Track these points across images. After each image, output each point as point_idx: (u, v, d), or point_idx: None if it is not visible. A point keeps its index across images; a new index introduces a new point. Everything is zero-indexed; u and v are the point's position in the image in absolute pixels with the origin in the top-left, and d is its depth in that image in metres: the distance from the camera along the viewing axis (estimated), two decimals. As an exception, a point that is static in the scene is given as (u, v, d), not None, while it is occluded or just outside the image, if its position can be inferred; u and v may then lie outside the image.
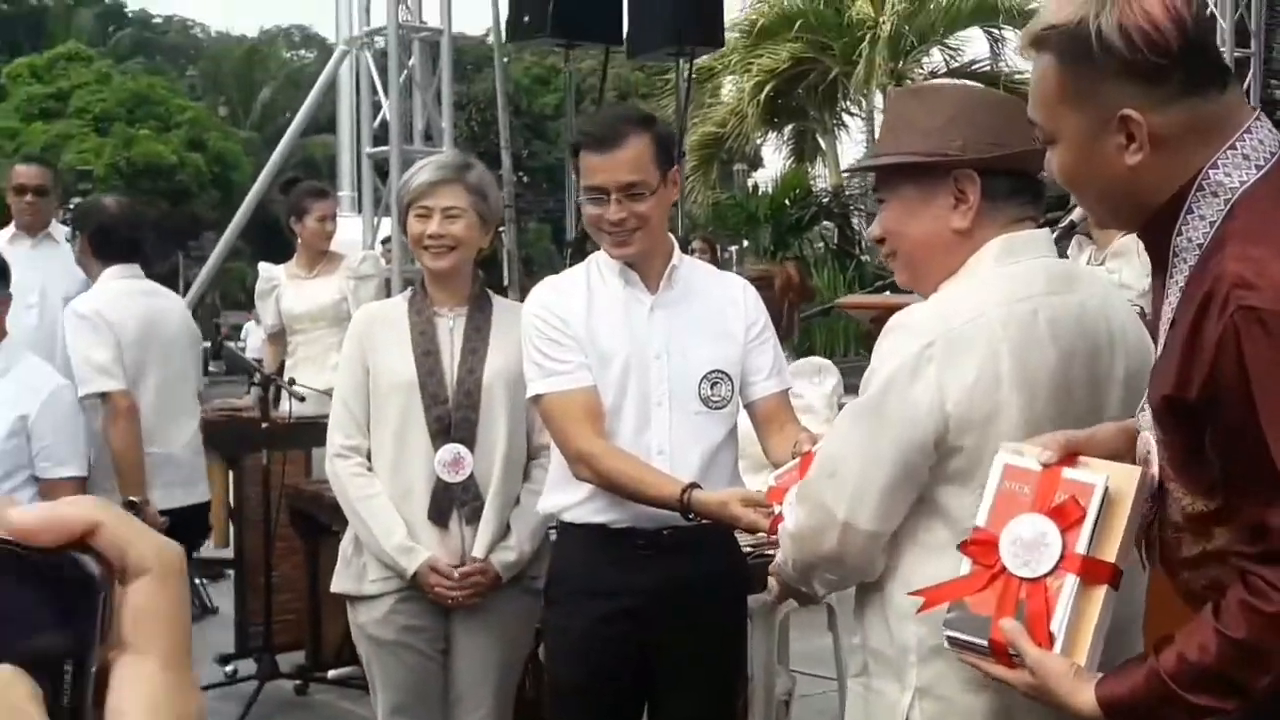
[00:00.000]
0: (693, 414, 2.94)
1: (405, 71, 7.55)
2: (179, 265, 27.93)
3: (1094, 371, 2.09)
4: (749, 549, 3.38)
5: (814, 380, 4.44)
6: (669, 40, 7.49)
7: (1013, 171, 2.15)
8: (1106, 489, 1.80)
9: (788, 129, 18.67)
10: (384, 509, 3.30)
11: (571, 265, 3.31)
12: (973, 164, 2.13)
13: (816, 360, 4.62)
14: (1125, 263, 4.82)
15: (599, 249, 3.02)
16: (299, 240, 6.13)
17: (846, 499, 2.08)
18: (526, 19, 7.43)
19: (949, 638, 1.90)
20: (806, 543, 2.17)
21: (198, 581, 6.49)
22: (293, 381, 5.31)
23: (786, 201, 15.77)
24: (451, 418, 3.28)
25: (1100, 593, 1.79)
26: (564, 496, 3.01)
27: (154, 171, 34.82)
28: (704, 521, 2.86)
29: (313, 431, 5.44)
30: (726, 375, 2.99)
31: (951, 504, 2.05)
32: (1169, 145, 1.69)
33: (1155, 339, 1.81)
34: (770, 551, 3.44)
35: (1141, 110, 1.68)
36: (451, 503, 3.28)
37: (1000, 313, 2.03)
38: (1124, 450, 1.90)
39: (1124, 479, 1.81)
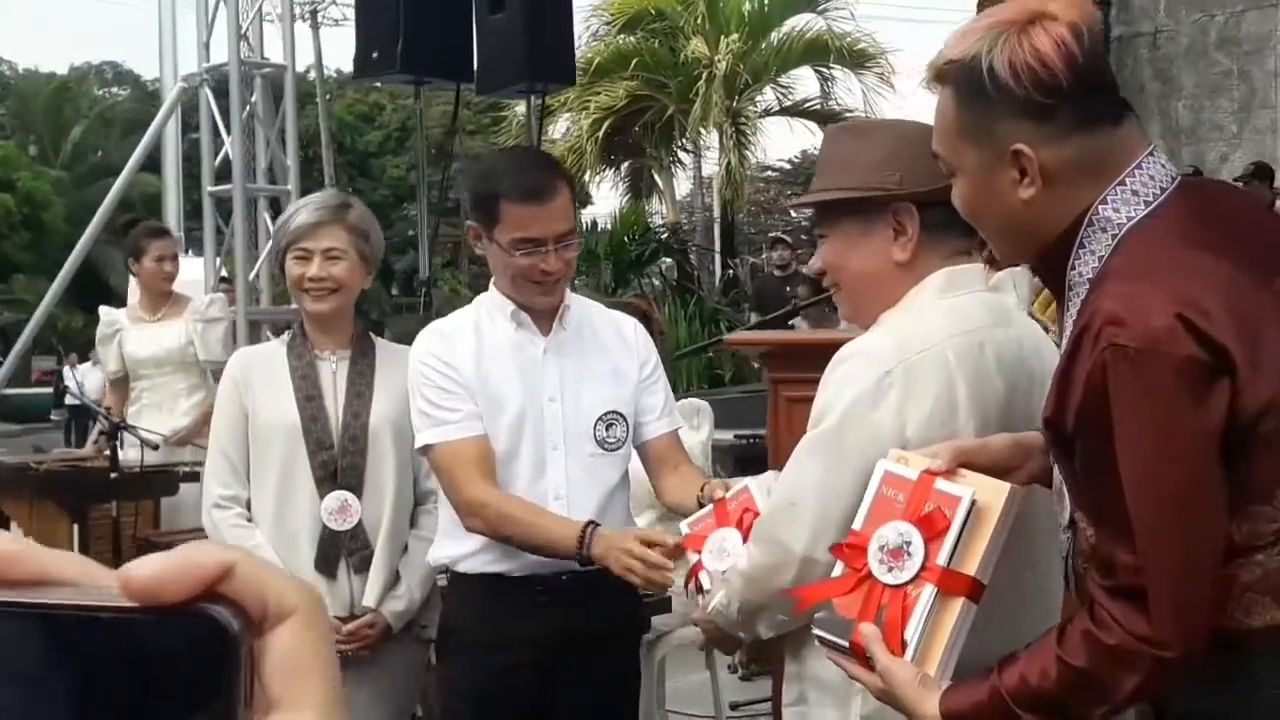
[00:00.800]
0: (588, 456, 2.89)
1: (248, 108, 7.35)
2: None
3: (1030, 406, 2.10)
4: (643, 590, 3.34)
5: (691, 424, 4.40)
6: (520, 77, 7.44)
7: (949, 203, 2.14)
8: (973, 502, 1.80)
9: (625, 166, 18.78)
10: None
11: (425, 303, 3.24)
12: (911, 197, 2.16)
13: (695, 402, 4.59)
14: (1003, 295, 4.93)
15: (448, 288, 2.94)
16: (139, 281, 5.93)
17: (806, 532, 2.06)
18: (375, 55, 7.30)
19: (817, 636, 1.90)
20: (760, 582, 2.14)
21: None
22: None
23: (625, 238, 15.85)
24: (338, 463, 3.17)
25: (957, 604, 1.79)
26: (456, 546, 2.92)
27: (-40, 212, 33.46)
28: (596, 568, 2.80)
29: (162, 480, 5.27)
30: (621, 416, 2.94)
31: None
32: (1061, 180, 1.71)
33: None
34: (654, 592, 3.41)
35: (1033, 145, 1.70)
36: (339, 551, 3.17)
37: (954, 343, 2.05)
38: (1016, 463, 1.91)
39: (992, 494, 1.81)
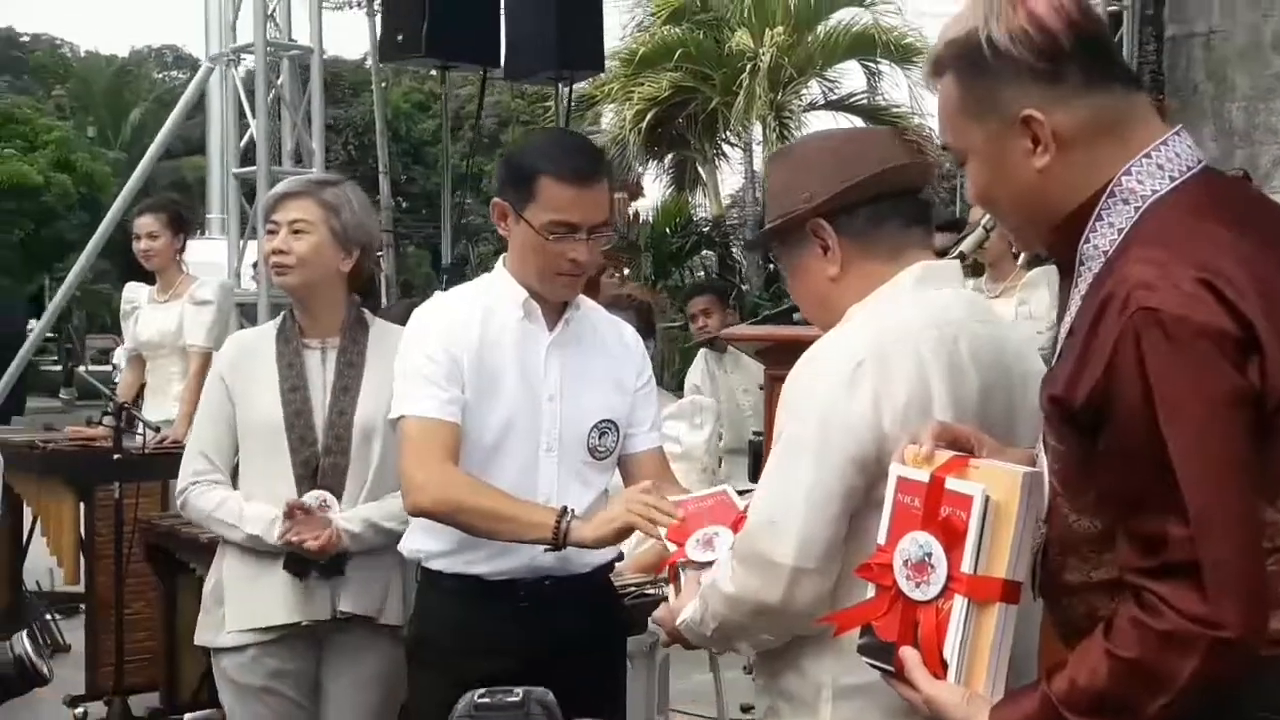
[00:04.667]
0: (580, 463, 2.77)
1: (274, 91, 7.32)
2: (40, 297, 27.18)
3: (1009, 406, 2.05)
4: (630, 588, 3.24)
5: (694, 423, 4.31)
6: (548, 64, 7.36)
7: (877, 198, 2.13)
8: (987, 499, 1.70)
9: (668, 158, 18.65)
10: (237, 505, 3.12)
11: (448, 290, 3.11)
12: (819, 210, 2.12)
13: (699, 400, 4.49)
14: (1034, 294, 4.82)
15: (478, 275, 2.85)
16: None
17: (795, 542, 1.96)
18: (400, 38, 7.25)
19: (867, 663, 1.82)
20: (745, 603, 2.03)
21: (48, 617, 6.19)
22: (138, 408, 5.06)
23: (667, 230, 15.75)
24: (320, 462, 3.08)
25: (994, 612, 1.69)
26: (432, 540, 2.77)
27: (19, 192, 33.75)
28: (578, 571, 2.73)
29: (168, 462, 5.19)
30: (614, 425, 2.83)
31: (876, 531, 1.92)
32: (1077, 144, 1.66)
33: (1053, 353, 1.75)
34: (651, 591, 3.31)
35: (1043, 109, 1.66)
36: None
37: (928, 335, 1.99)
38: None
39: (1006, 484, 1.71)
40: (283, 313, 3.28)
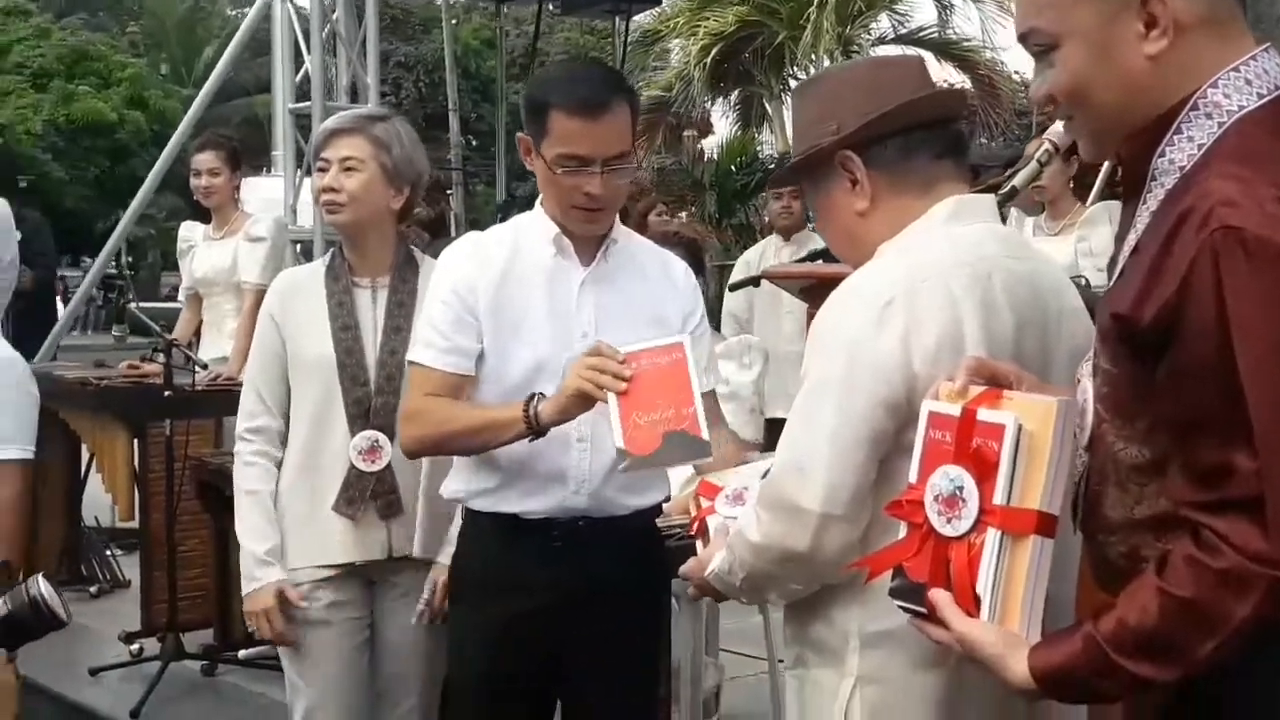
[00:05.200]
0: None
1: (329, 26, 7.25)
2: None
3: (1044, 344, 1.97)
4: (675, 530, 3.17)
5: (742, 362, 4.21)
6: (606, -4, 7.24)
7: (907, 129, 2.04)
8: (1020, 427, 1.62)
9: (734, 94, 18.41)
10: (259, 510, 3.11)
11: None
12: (847, 142, 2.04)
13: (747, 339, 4.39)
14: (1094, 230, 4.70)
15: (529, 210, 2.78)
16: None
17: (821, 487, 1.90)
18: (456, -29, 7.13)
19: (899, 606, 1.75)
20: (773, 550, 1.98)
21: (109, 553, 6.26)
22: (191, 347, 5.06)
23: (732, 168, 15.56)
24: (372, 401, 3.05)
25: (1028, 545, 1.61)
26: (471, 481, 2.76)
27: (94, 129, 34.16)
28: (616, 513, 2.69)
29: (220, 399, 5.21)
30: None
31: (905, 477, 1.85)
32: (1189, 38, 1.57)
33: (1112, 273, 1.65)
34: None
35: None
36: (364, 494, 3.06)
37: (961, 274, 1.92)
38: None
39: (1040, 412, 1.64)
40: (331, 250, 3.24)
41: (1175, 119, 1.56)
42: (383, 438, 3.04)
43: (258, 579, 3.05)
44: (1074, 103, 1.67)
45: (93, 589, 6.10)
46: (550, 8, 7.76)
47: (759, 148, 17.58)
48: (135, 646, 5.16)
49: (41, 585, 2.12)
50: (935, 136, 2.06)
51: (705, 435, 2.45)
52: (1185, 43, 1.56)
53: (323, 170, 3.09)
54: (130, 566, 6.07)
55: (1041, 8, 1.65)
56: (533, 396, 2.56)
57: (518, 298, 2.69)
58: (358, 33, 7.42)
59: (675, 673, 3.81)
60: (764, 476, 2.21)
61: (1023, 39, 1.69)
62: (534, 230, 2.73)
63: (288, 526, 3.14)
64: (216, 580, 5.10)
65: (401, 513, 3.08)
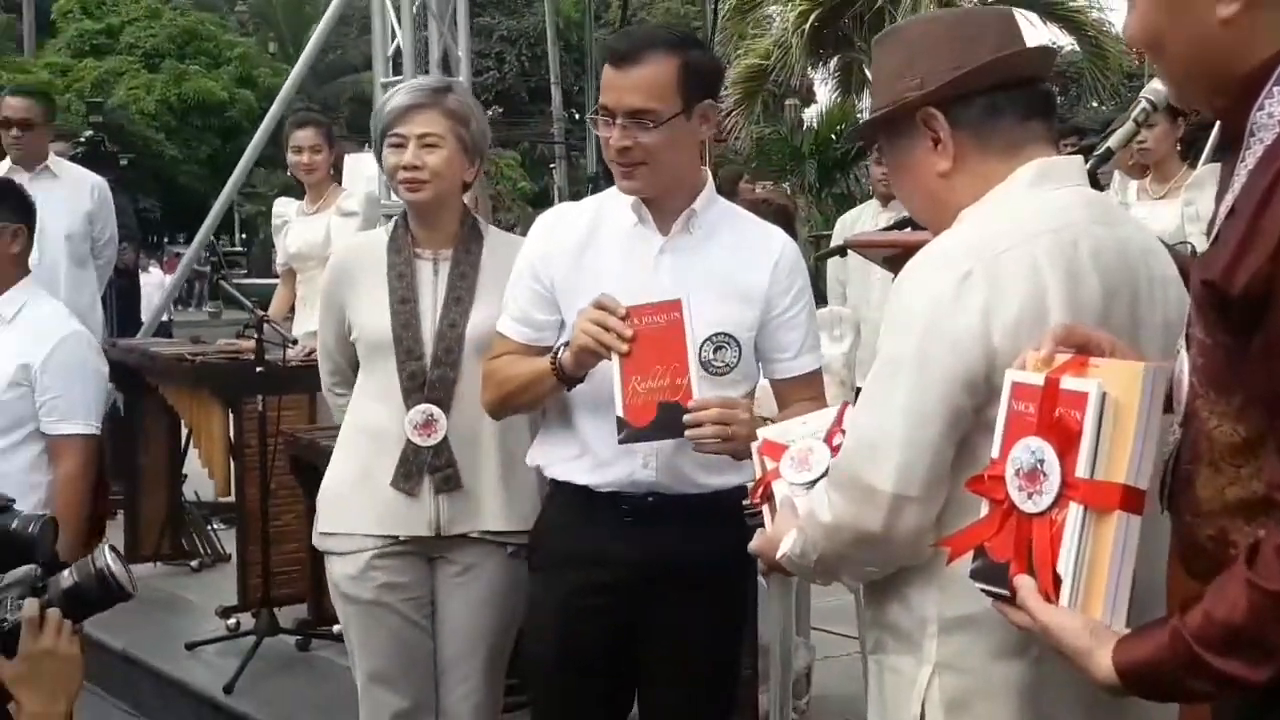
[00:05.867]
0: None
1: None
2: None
3: (1135, 314, 1.86)
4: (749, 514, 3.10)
5: (833, 334, 4.10)
6: (697, -37, 7.10)
7: (994, 88, 1.94)
8: (1104, 395, 1.52)
9: (834, 61, 18.10)
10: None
11: None
12: (932, 98, 1.93)
13: (837, 311, 4.28)
14: (1201, 194, 4.53)
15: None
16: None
17: (895, 467, 1.82)
18: (546, -59, 7.05)
19: (981, 589, 1.66)
20: (845, 531, 1.91)
21: (210, 527, 6.34)
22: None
23: (832, 136, 15.31)
24: (427, 375, 3.02)
25: (1113, 522, 1.51)
26: (550, 451, 2.76)
27: (204, 108, 34.77)
28: (688, 491, 2.63)
29: (313, 375, 5.21)
30: (733, 340, 2.67)
31: (987, 456, 1.77)
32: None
33: (1210, 236, 1.54)
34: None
35: None
36: (421, 468, 3.03)
37: (1044, 240, 1.82)
38: None
39: (1126, 379, 1.53)
40: (394, 220, 3.21)
41: (1275, 68, 1.44)
42: (438, 411, 3.01)
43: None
44: (1149, 50, 1.58)
45: (194, 563, 6.19)
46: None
47: (859, 115, 17.30)
48: (232, 621, 5.21)
49: (109, 556, 2.12)
50: (1024, 96, 1.96)
51: None
52: (1264, 6, 1.45)
53: (399, 146, 3.02)
54: (231, 541, 6.15)
55: None
56: (556, 350, 2.61)
57: (596, 264, 2.68)
58: (448, 5, 7.36)
59: (764, 652, 3.73)
60: (829, 442, 2.14)
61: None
62: (619, 197, 2.71)
63: (334, 491, 3.15)
64: (311, 555, 5.11)
65: (459, 487, 3.04)
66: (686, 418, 2.49)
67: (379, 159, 3.12)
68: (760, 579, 3.38)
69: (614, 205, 2.73)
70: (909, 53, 1.99)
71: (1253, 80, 1.46)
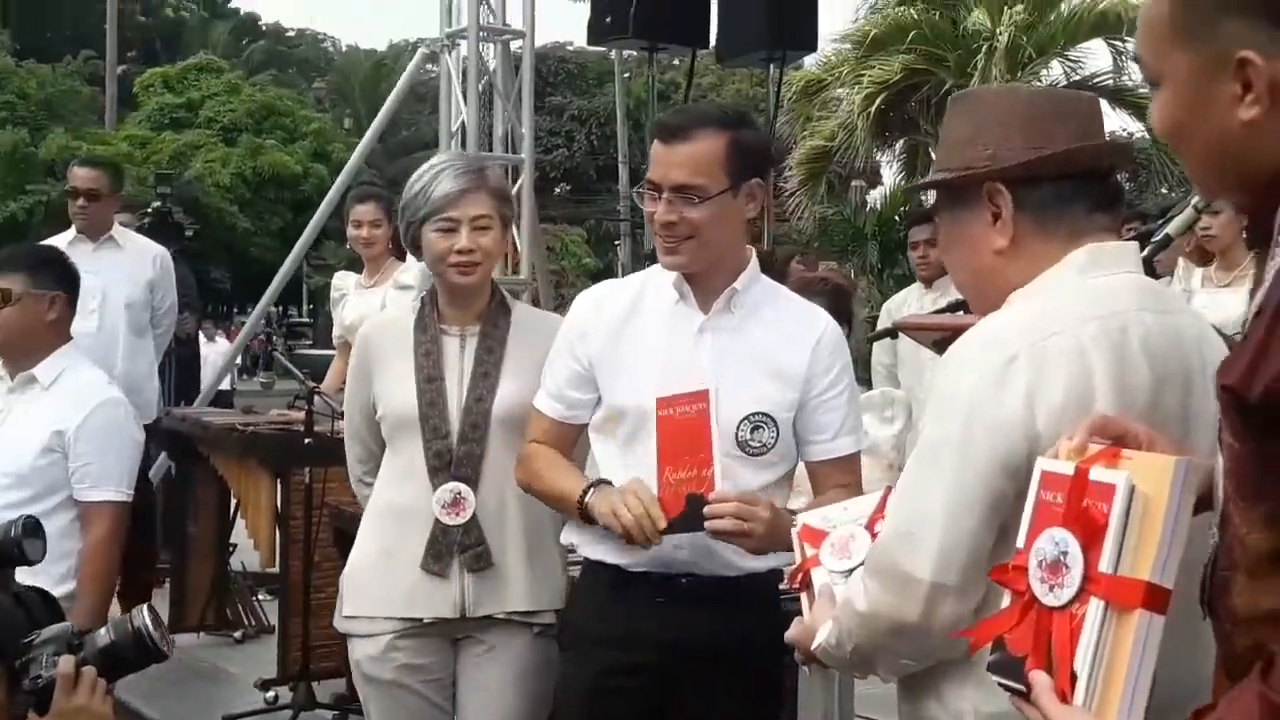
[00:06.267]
0: (726, 458, 2.55)
1: (486, 77, 7.30)
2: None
3: (1186, 404, 1.80)
4: (785, 597, 3.02)
5: (883, 416, 4.04)
6: (760, 44, 7.14)
7: (1065, 176, 1.88)
8: (1132, 488, 1.45)
9: (899, 144, 18.12)
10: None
11: None
12: (1001, 174, 1.88)
13: (890, 393, 4.21)
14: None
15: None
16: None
17: (933, 555, 1.78)
18: (609, 20, 7.14)
19: (998, 683, 1.59)
20: (881, 620, 1.86)
21: (255, 598, 6.31)
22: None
23: (895, 217, 15.28)
24: (454, 453, 2.96)
25: (1133, 620, 1.44)
26: (583, 529, 2.71)
27: (279, 181, 35.41)
28: (722, 573, 2.59)
29: (362, 447, 5.24)
30: (771, 420, 2.62)
31: None
32: None
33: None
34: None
35: (1265, 56, 1.37)
36: (451, 548, 2.96)
37: (1091, 327, 1.78)
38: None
39: (1157, 473, 1.46)
40: (422, 297, 3.18)
41: None
42: (465, 489, 2.95)
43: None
44: (1171, 144, 1.52)
45: (237, 634, 6.16)
46: (706, 59, 7.69)
47: (923, 197, 17.27)
48: (271, 694, 5.16)
49: (146, 616, 2.12)
50: (1092, 187, 1.91)
51: None
52: None
53: (450, 231, 2.97)
54: (275, 612, 6.12)
55: (1144, 37, 1.52)
56: (595, 484, 2.61)
57: (636, 341, 2.67)
58: (514, 84, 7.44)
59: (806, 745, 3.63)
60: (870, 529, 2.08)
61: (1137, 61, 1.55)
62: (662, 277, 2.71)
63: (359, 574, 3.09)
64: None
65: (490, 565, 2.97)
66: (706, 509, 2.48)
67: (408, 240, 3.07)
68: (802, 666, 3.29)
69: (656, 283, 2.72)
70: (983, 120, 1.94)
71: (1278, 180, 1.40)
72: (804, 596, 2.16)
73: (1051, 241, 1.88)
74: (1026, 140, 1.88)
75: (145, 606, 2.16)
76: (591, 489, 2.61)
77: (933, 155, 18.60)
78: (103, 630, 2.15)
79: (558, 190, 40.43)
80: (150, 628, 2.12)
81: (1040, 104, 1.97)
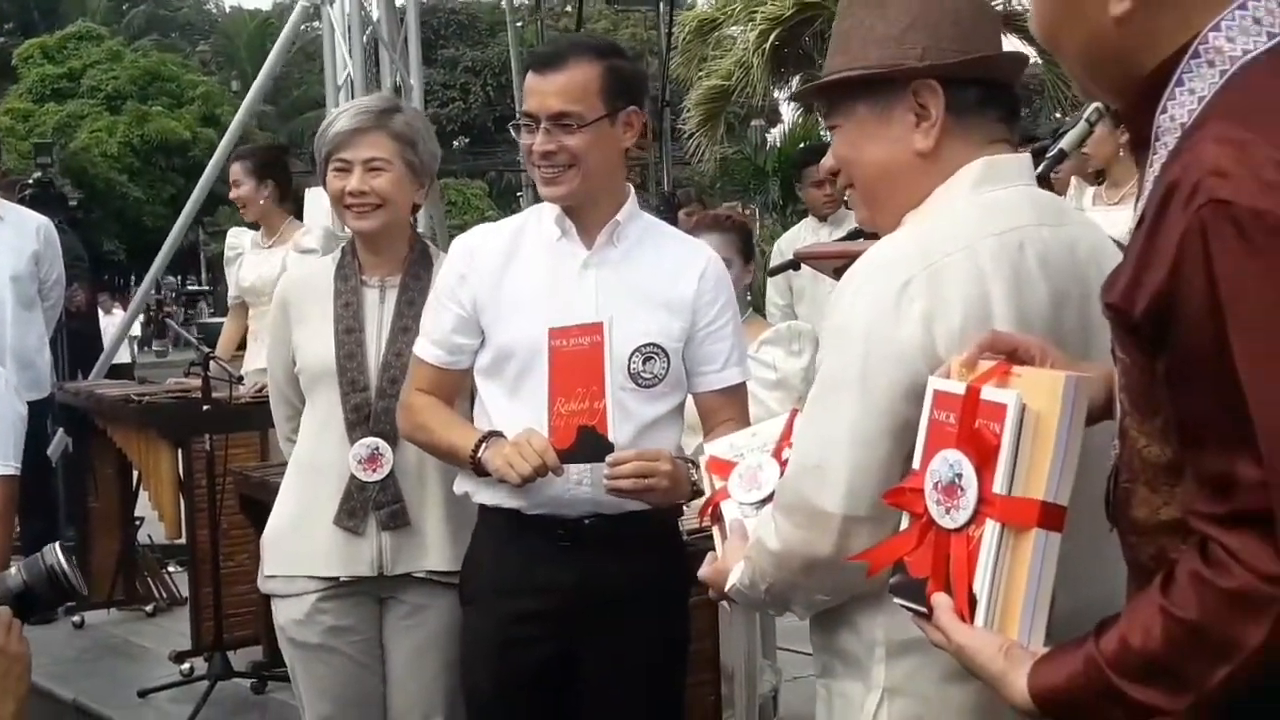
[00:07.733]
0: (619, 390, 2.54)
1: (370, 28, 7.15)
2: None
3: (1086, 318, 1.77)
4: (694, 535, 3.00)
5: (791, 349, 4.01)
6: (647, -17, 7.04)
7: (983, 81, 1.86)
8: (1023, 407, 1.44)
9: (795, 80, 18.08)
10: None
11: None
12: (934, 72, 1.83)
13: (797, 326, 4.17)
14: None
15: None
16: None
17: (842, 488, 1.74)
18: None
19: (900, 605, 1.60)
20: (794, 558, 1.82)
21: (166, 570, 6.20)
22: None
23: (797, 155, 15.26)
24: (372, 407, 2.91)
25: (1030, 539, 1.43)
26: (473, 477, 2.65)
27: (167, 148, 34.69)
28: (633, 509, 2.55)
29: (265, 411, 5.10)
30: (661, 350, 2.62)
31: None
32: None
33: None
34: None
35: None
36: (366, 505, 2.92)
37: (988, 244, 1.75)
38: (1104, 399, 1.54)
39: (1046, 390, 1.45)
40: (342, 247, 3.11)
41: (1175, 69, 1.34)
42: (384, 445, 2.90)
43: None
44: (1050, 47, 1.49)
45: (148, 608, 6.05)
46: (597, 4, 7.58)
47: (822, 133, 17.27)
48: (186, 666, 5.08)
49: (58, 553, 2.04)
50: (1006, 96, 1.90)
51: (611, 435, 2.43)
52: (1159, 4, 1.35)
53: (343, 171, 2.92)
54: (186, 584, 6.01)
55: None
56: (487, 437, 2.57)
57: (519, 278, 2.64)
58: (400, 34, 7.30)
59: (728, 676, 3.63)
60: (777, 457, 2.05)
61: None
62: (541, 212, 2.69)
63: (277, 532, 3.05)
64: (264, 596, 4.98)
65: (407, 524, 2.93)
66: (605, 471, 2.47)
67: (323, 184, 3.02)
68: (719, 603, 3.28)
69: (536, 221, 2.70)
70: (913, 17, 1.86)
71: (1154, 82, 1.36)
72: (715, 530, 2.14)
73: (969, 146, 1.84)
74: (960, 40, 1.84)
75: (55, 544, 2.09)
76: (484, 443, 2.57)
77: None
78: (13, 570, 2.08)
79: (456, 144, 40.02)
80: (62, 564, 2.05)
81: (966, 7, 1.92)
